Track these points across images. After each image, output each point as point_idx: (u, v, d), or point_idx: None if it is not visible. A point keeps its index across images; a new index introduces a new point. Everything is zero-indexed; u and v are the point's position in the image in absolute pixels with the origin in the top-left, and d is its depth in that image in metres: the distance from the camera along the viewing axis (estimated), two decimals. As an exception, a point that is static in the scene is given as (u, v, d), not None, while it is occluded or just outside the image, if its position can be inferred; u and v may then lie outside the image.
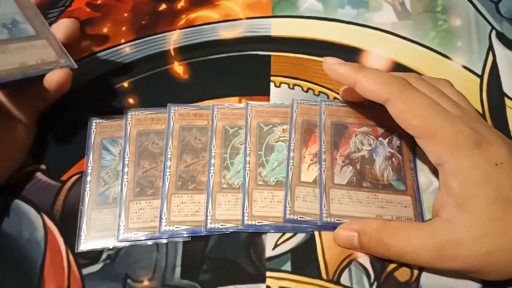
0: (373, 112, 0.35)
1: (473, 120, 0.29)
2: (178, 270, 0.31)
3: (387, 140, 0.34)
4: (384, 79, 0.29)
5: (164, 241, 0.32)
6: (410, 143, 0.34)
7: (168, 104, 0.36)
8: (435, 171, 0.34)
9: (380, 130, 0.35)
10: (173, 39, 0.40)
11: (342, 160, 0.33)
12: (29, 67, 0.31)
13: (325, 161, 0.33)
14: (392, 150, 0.34)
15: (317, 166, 0.33)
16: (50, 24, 0.34)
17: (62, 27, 0.34)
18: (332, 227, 0.31)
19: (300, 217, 0.31)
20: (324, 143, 0.34)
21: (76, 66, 0.32)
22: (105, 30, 0.41)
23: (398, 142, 0.34)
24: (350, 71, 0.30)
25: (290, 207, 0.32)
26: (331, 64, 0.31)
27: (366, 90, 0.29)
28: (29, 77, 0.30)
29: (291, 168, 0.33)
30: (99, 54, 0.40)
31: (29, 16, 0.33)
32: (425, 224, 0.28)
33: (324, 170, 0.33)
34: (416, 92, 0.29)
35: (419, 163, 0.34)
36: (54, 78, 0.30)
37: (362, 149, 0.34)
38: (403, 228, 0.28)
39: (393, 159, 0.34)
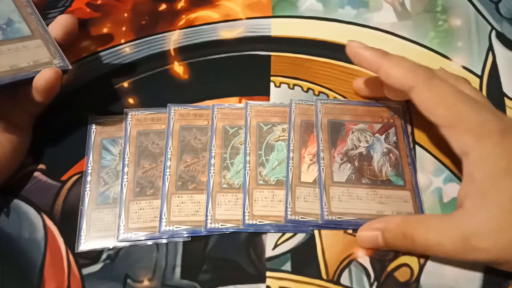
0: (369, 108, 0.35)
1: (496, 110, 0.28)
2: (178, 270, 0.31)
3: (383, 136, 0.34)
4: (410, 66, 0.29)
5: (164, 241, 0.31)
6: (406, 138, 0.34)
7: (168, 104, 0.36)
8: (435, 171, 0.34)
9: (377, 126, 0.35)
10: (173, 39, 0.40)
11: (340, 157, 0.33)
12: (20, 69, 0.30)
13: (323, 160, 0.33)
14: (389, 146, 0.34)
15: (317, 166, 0.33)
16: (49, 24, 0.34)
17: (60, 24, 0.34)
18: (333, 225, 0.31)
19: (301, 218, 0.31)
20: (321, 141, 0.34)
21: (70, 67, 0.32)
22: (105, 30, 0.41)
23: (395, 137, 0.34)
24: (375, 56, 0.30)
25: (291, 207, 0.32)
26: (356, 48, 0.31)
27: (390, 77, 0.29)
28: (18, 80, 0.30)
29: (291, 168, 0.33)
30: (99, 54, 0.40)
31: (25, 14, 0.33)
32: (448, 215, 0.27)
33: (323, 168, 0.33)
34: (442, 80, 0.28)
35: (419, 163, 0.34)
36: (43, 78, 0.30)
37: (360, 146, 0.34)
38: (426, 221, 0.28)
39: (391, 154, 0.34)
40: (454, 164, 0.34)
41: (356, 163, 0.33)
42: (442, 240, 0.27)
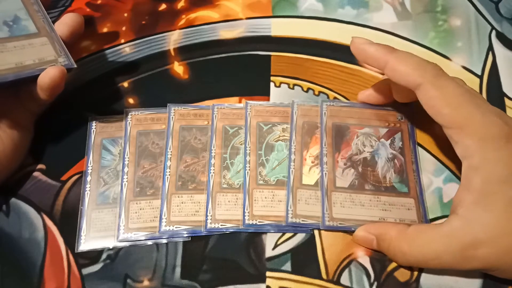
0: (375, 112, 0.35)
1: (501, 113, 0.28)
2: (178, 270, 0.31)
3: (389, 141, 0.34)
4: (418, 63, 0.28)
5: (164, 241, 0.32)
6: (412, 144, 0.34)
7: (168, 104, 0.36)
8: (435, 171, 0.34)
9: (382, 131, 0.34)
10: (173, 39, 0.40)
11: (343, 162, 0.33)
12: (25, 67, 0.30)
13: (326, 164, 0.33)
14: (394, 152, 0.34)
15: (318, 168, 0.33)
16: (52, 23, 0.34)
17: (66, 23, 0.34)
18: (334, 230, 0.31)
19: (302, 220, 0.31)
20: (325, 145, 0.33)
21: (76, 66, 0.32)
22: (105, 30, 0.41)
23: (401, 143, 0.34)
24: (381, 52, 0.29)
25: (292, 210, 0.32)
26: (360, 44, 0.30)
27: (397, 73, 0.28)
28: (22, 78, 0.30)
29: (292, 170, 0.33)
30: (99, 54, 0.40)
31: (32, 12, 0.33)
32: (443, 225, 0.27)
33: (325, 173, 0.33)
34: (450, 79, 0.28)
35: (419, 163, 0.34)
36: (48, 76, 0.30)
37: (364, 151, 0.34)
38: (422, 235, 0.28)
39: (395, 160, 0.33)
40: (454, 164, 0.34)
41: (360, 169, 0.33)
42: (440, 254, 0.26)
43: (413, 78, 0.28)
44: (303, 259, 0.31)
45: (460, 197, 0.27)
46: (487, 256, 0.26)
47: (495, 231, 0.25)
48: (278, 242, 0.31)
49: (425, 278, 0.30)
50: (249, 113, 0.35)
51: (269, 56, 0.39)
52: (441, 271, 0.30)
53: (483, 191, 0.26)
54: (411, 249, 0.28)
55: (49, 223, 0.32)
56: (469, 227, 0.26)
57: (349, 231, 0.31)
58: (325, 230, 0.31)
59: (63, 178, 0.34)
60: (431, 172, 0.34)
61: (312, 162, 0.33)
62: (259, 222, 0.31)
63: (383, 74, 0.37)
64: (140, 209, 0.32)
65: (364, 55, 0.30)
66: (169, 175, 0.33)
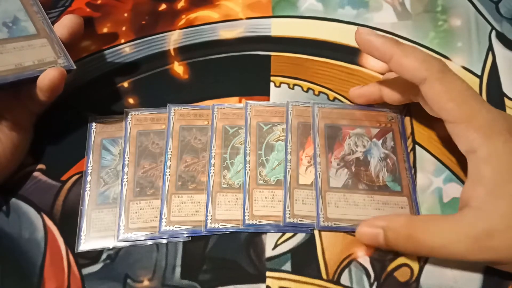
0: (366, 112, 0.35)
1: (501, 111, 0.29)
2: (178, 270, 0.31)
3: (381, 141, 0.34)
4: (424, 57, 0.28)
5: (164, 241, 0.32)
6: (403, 143, 0.34)
7: (168, 104, 0.36)
8: (435, 171, 0.34)
9: (374, 131, 0.34)
10: (173, 39, 0.40)
11: (337, 163, 0.33)
12: (25, 68, 0.30)
13: (320, 164, 0.33)
14: (386, 151, 0.34)
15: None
16: (52, 23, 0.34)
17: (65, 25, 0.34)
18: (329, 230, 0.31)
19: (300, 220, 0.31)
20: (318, 146, 0.34)
21: (75, 67, 0.32)
22: (105, 30, 0.41)
23: (392, 142, 0.34)
24: (387, 45, 0.28)
25: (289, 210, 0.32)
26: (366, 35, 0.29)
27: (403, 67, 0.28)
28: (22, 79, 0.30)
29: (288, 171, 0.33)
30: (99, 54, 0.40)
31: (31, 13, 0.33)
32: (456, 216, 0.27)
33: (319, 173, 0.33)
34: (455, 75, 0.28)
35: (419, 163, 0.34)
36: (47, 77, 0.30)
37: (357, 151, 0.34)
38: (432, 222, 0.27)
39: (388, 160, 0.33)
40: (454, 164, 0.34)
41: (353, 168, 0.33)
42: (453, 241, 0.26)
43: (418, 73, 0.28)
44: (303, 259, 0.31)
45: (471, 191, 0.27)
46: (501, 246, 0.25)
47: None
48: (278, 242, 0.31)
49: (425, 278, 0.30)
50: (249, 113, 0.35)
51: (269, 56, 0.39)
52: (442, 264, 0.30)
53: (496, 182, 0.26)
54: (423, 236, 0.27)
55: (49, 223, 0.32)
56: (484, 217, 0.26)
57: (345, 231, 0.31)
58: (320, 230, 0.31)
59: (63, 178, 0.34)
60: (431, 172, 0.34)
61: (308, 162, 0.33)
62: (259, 222, 0.31)
63: (383, 74, 0.38)
64: (140, 209, 0.32)
65: (369, 46, 0.29)
66: (169, 175, 0.33)
